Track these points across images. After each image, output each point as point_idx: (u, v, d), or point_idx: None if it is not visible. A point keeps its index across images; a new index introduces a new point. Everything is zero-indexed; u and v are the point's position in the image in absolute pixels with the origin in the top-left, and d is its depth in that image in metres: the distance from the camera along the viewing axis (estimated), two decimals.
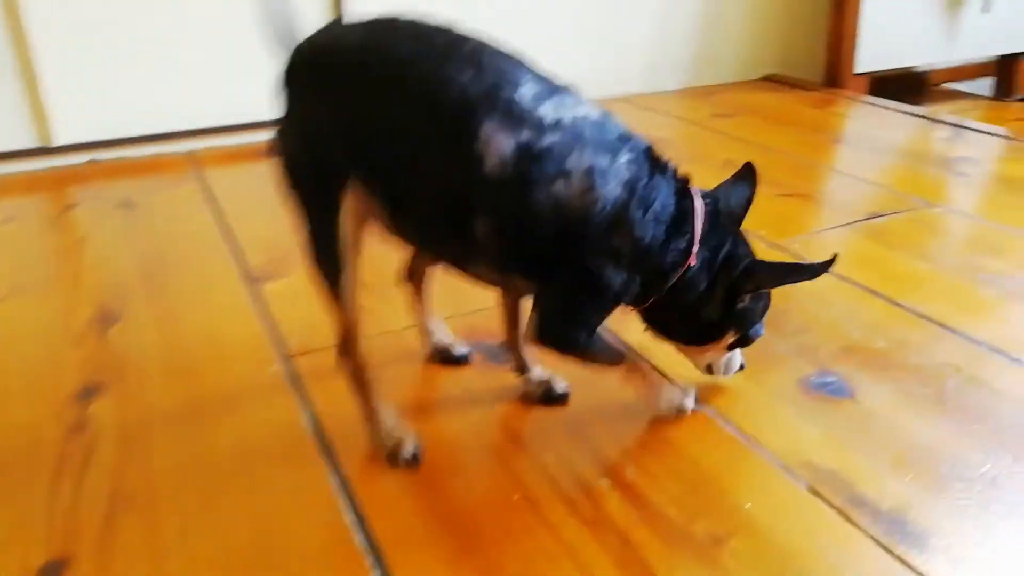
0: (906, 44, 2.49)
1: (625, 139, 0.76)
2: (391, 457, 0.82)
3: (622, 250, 0.74)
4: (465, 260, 0.80)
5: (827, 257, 0.76)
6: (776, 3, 2.54)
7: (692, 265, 0.77)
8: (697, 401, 0.89)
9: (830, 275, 0.82)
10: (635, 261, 0.75)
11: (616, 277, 0.75)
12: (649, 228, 0.74)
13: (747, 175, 0.85)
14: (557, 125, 0.72)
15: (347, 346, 0.82)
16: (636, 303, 0.81)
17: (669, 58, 2.47)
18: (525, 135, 0.70)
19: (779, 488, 0.78)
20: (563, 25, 2.27)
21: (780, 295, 0.86)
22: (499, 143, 0.70)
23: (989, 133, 2.02)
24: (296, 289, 1.16)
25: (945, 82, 2.97)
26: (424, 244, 0.85)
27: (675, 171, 0.79)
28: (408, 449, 0.81)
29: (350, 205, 0.77)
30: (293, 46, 0.79)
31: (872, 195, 1.60)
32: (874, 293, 1.16)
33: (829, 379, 0.95)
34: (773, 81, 2.57)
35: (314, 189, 0.78)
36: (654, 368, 0.93)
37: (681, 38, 2.44)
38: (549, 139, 0.71)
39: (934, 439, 0.84)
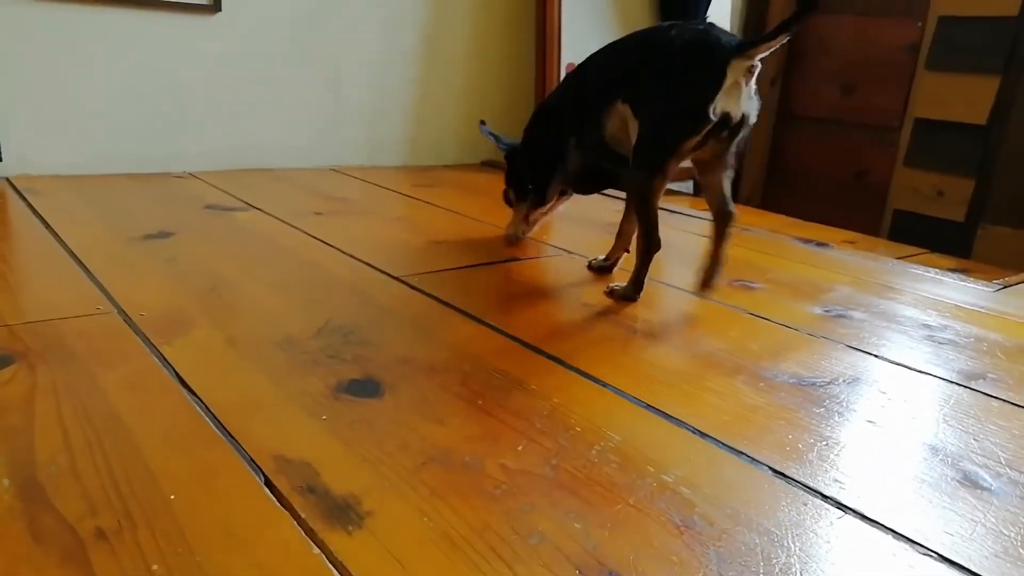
0: None
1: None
2: None
3: None
4: None
5: None
6: (486, 101, 2.69)
7: None
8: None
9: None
10: None
11: None
12: None
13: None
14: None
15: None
16: None
17: (389, 138, 2.51)
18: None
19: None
20: (286, 97, 2.27)
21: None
22: None
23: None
24: None
25: None
26: None
27: None
28: None
29: None
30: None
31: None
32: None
33: (369, 383, 0.88)
34: (489, 166, 2.66)
35: None
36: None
37: (400, 123, 2.49)
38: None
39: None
